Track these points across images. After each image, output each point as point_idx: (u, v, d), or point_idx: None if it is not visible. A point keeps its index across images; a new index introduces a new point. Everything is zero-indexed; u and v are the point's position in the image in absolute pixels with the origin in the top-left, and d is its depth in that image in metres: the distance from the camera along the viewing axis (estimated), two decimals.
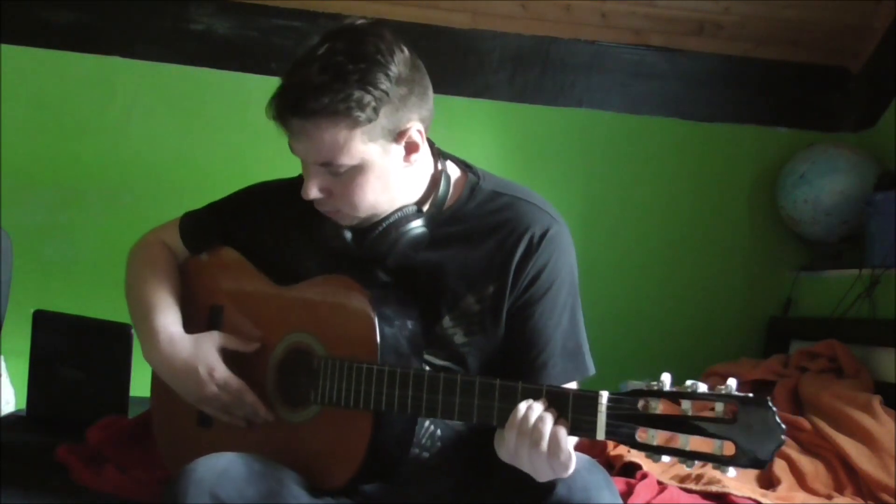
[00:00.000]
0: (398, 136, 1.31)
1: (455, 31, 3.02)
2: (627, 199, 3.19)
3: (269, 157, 2.87)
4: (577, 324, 1.40)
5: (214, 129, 2.97)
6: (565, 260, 1.39)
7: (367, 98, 1.25)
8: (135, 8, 2.90)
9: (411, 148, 1.33)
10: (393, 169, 1.33)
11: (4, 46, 2.80)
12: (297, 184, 1.53)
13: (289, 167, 1.58)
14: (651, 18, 3.08)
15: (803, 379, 2.52)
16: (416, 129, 1.32)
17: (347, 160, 1.28)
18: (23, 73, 2.84)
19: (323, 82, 1.24)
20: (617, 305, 3.07)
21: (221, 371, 1.41)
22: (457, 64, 3.04)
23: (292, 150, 1.33)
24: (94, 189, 2.89)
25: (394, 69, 1.27)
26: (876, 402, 2.28)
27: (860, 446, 2.15)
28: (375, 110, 1.26)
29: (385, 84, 1.26)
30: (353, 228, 1.38)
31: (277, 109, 1.29)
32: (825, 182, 2.97)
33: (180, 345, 1.44)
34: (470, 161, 1.50)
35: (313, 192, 1.32)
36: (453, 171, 1.45)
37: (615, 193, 3.18)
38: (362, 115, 1.25)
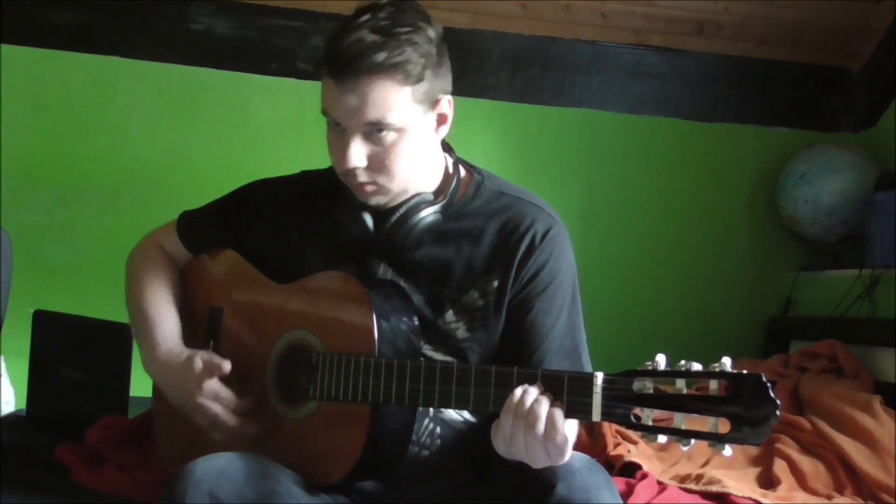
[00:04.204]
0: (433, 104, 1.36)
1: (455, 31, 3.02)
2: (627, 199, 3.19)
3: (269, 157, 2.91)
4: (575, 324, 1.41)
5: (214, 129, 2.97)
6: (565, 260, 1.42)
7: (416, 58, 1.30)
8: (135, 8, 2.91)
9: (441, 119, 1.38)
10: (427, 138, 1.37)
11: (4, 46, 2.81)
12: (297, 181, 1.54)
13: (288, 167, 1.59)
14: (651, 18, 3.08)
15: (803, 379, 2.52)
16: (446, 100, 1.37)
17: (394, 119, 1.30)
18: (23, 73, 2.84)
19: (376, 42, 1.27)
20: (616, 305, 3.07)
21: (210, 383, 1.41)
22: (457, 64, 3.01)
23: (335, 116, 1.32)
24: (94, 189, 2.89)
25: (433, 36, 1.33)
26: (876, 402, 2.28)
27: (860, 446, 2.15)
28: (423, 70, 1.31)
29: (428, 47, 1.31)
30: (372, 213, 1.39)
31: (334, 67, 1.30)
32: (825, 182, 2.97)
33: (177, 357, 1.45)
34: (470, 161, 1.51)
35: (357, 158, 1.32)
36: (461, 170, 1.48)
37: (615, 193, 3.19)
38: (413, 74, 1.30)
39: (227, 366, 1.42)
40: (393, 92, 1.29)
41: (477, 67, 3.06)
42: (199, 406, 1.40)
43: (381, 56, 1.27)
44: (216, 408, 1.40)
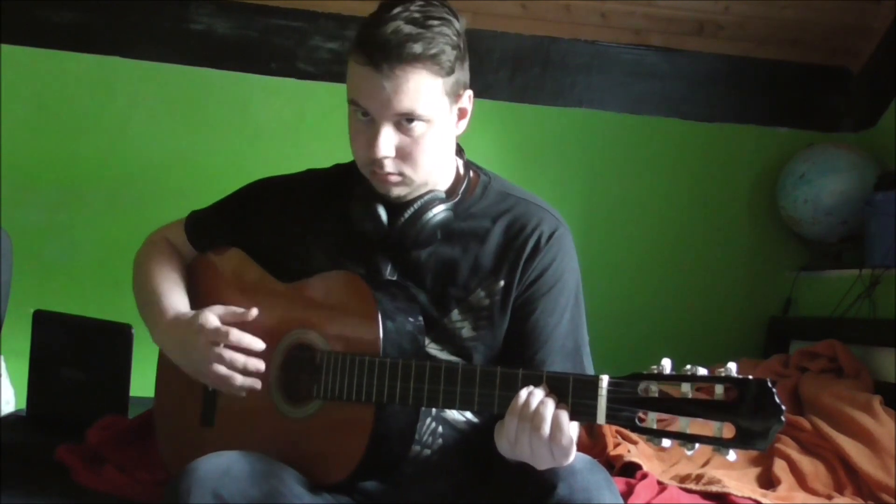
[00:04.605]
0: (457, 97, 1.38)
1: None
2: (627, 199, 3.19)
3: (269, 157, 2.91)
4: (578, 326, 1.42)
5: (214, 129, 2.97)
6: (569, 262, 1.43)
7: (449, 50, 1.33)
8: (135, 8, 2.91)
9: (462, 113, 1.41)
10: (450, 131, 1.39)
11: (4, 46, 2.81)
12: (302, 179, 1.54)
13: (288, 167, 1.59)
14: (651, 18, 3.08)
15: (803, 379, 2.52)
16: (467, 95, 1.40)
17: (425, 111, 1.32)
18: (23, 73, 2.84)
19: (413, 33, 1.29)
20: (616, 306, 3.07)
21: (214, 320, 1.39)
22: None
23: (366, 105, 1.32)
24: (94, 189, 2.89)
25: (460, 29, 1.37)
26: (876, 402, 2.28)
27: (860, 446, 2.15)
28: (454, 63, 1.34)
29: (457, 40, 1.35)
30: (386, 206, 1.39)
31: (372, 56, 1.30)
32: (825, 182, 2.97)
33: (186, 317, 1.45)
34: (471, 161, 1.52)
35: (387, 148, 1.33)
36: (469, 171, 1.49)
37: (615, 193, 3.19)
38: (446, 66, 1.33)
39: (253, 312, 1.41)
40: (427, 83, 1.31)
41: (477, 67, 3.02)
42: (213, 350, 1.36)
43: (419, 47, 1.29)
44: (234, 336, 1.36)
